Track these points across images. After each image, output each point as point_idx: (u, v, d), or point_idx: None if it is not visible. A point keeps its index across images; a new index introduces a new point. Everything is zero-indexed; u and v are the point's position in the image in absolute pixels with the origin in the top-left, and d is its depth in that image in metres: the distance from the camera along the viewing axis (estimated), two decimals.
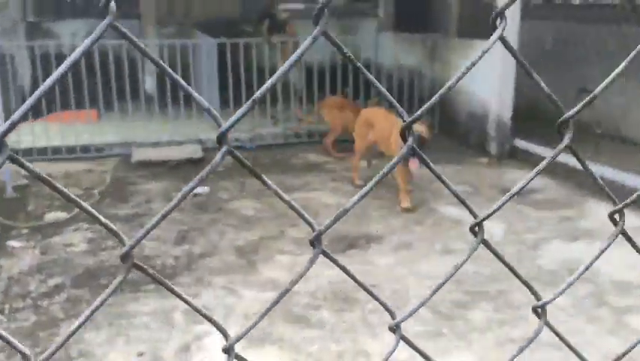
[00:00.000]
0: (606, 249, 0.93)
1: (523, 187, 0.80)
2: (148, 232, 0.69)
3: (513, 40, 6.83)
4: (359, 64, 0.70)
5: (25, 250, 4.65)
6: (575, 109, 0.78)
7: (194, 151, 7.16)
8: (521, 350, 0.97)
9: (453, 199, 5.63)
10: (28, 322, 3.60)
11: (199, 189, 5.95)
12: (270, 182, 0.75)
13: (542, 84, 0.75)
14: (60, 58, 7.16)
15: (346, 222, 5.04)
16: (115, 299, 3.85)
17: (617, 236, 0.93)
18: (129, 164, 6.92)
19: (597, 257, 0.92)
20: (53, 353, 0.70)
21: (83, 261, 4.46)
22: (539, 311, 0.94)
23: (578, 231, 4.95)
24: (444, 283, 0.89)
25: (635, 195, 0.91)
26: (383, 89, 0.76)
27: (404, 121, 0.75)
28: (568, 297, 3.80)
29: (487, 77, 6.95)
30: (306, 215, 0.78)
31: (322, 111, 7.57)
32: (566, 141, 0.78)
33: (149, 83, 8.63)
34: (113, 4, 0.56)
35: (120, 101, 7.46)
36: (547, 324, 0.96)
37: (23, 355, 0.69)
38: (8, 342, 0.69)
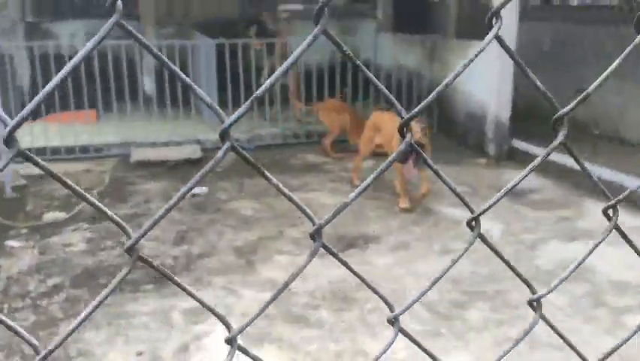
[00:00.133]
0: (600, 243, 0.94)
1: (518, 183, 0.82)
2: (154, 225, 0.70)
3: (511, 41, 6.85)
4: (359, 62, 0.72)
5: (24, 249, 4.66)
6: (570, 106, 0.79)
7: (193, 151, 7.18)
8: (517, 342, 0.98)
9: (451, 200, 5.66)
10: (27, 321, 3.61)
11: (197, 190, 5.96)
12: (271, 177, 0.76)
13: (537, 82, 0.76)
14: (59, 58, 7.17)
15: (344, 222, 5.06)
16: (114, 299, 3.86)
17: (610, 231, 0.95)
18: (128, 164, 6.93)
19: (591, 251, 0.94)
20: (64, 340, 0.71)
21: (82, 261, 4.47)
22: (534, 305, 0.96)
23: (575, 231, 4.97)
24: (441, 277, 0.91)
25: (628, 191, 0.93)
26: (382, 87, 0.77)
27: (402, 118, 0.76)
28: (565, 297, 3.82)
29: (485, 78, 6.96)
30: (307, 210, 0.80)
31: (319, 114, 7.59)
32: (561, 137, 0.79)
33: (148, 84, 8.64)
34: (119, 2, 0.58)
35: (119, 101, 7.47)
36: (543, 317, 0.97)
37: (33, 346, 0.71)
38: (18, 333, 0.70)
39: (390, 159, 0.79)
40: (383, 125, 5.81)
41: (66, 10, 9.08)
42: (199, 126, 8.01)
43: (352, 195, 0.82)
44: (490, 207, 0.82)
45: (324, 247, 0.81)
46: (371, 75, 0.74)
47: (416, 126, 5.09)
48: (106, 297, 0.71)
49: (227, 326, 0.82)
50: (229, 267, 4.36)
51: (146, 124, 7.73)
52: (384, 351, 0.93)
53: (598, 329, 3.52)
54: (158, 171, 6.70)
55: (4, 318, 0.71)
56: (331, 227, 5.10)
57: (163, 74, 7.60)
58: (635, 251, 0.97)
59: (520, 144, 7.11)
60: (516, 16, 6.78)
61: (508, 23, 6.84)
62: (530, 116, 7.01)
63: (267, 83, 0.70)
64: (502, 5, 0.70)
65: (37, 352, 0.71)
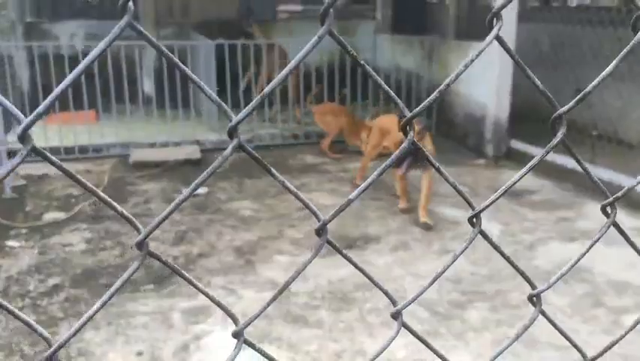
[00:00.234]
0: (598, 240, 0.95)
1: (518, 180, 0.83)
2: (163, 220, 0.71)
3: (510, 42, 6.87)
4: (363, 62, 0.73)
5: (23, 249, 4.66)
6: (568, 105, 0.80)
7: (192, 152, 7.18)
8: (517, 336, 0.99)
9: (450, 200, 5.67)
10: None
11: (198, 190, 5.97)
12: (277, 174, 0.77)
13: (537, 82, 0.77)
14: (58, 59, 7.17)
15: (344, 222, 5.07)
16: (114, 299, 3.86)
17: (608, 227, 0.96)
18: (127, 165, 6.93)
19: (589, 248, 0.95)
20: (75, 333, 0.72)
21: (82, 261, 4.47)
22: (534, 300, 0.97)
23: (574, 232, 4.98)
24: (443, 272, 0.92)
25: (626, 189, 0.94)
26: (386, 87, 0.78)
27: (403, 117, 0.77)
28: (565, 297, 3.83)
29: (484, 79, 6.98)
30: (313, 206, 0.81)
31: (315, 118, 7.62)
32: (560, 135, 0.80)
33: (148, 85, 8.64)
34: (130, 3, 0.59)
35: (118, 102, 7.47)
36: (543, 313, 0.98)
37: (46, 340, 0.72)
38: (31, 327, 0.71)
39: (393, 156, 0.80)
40: (392, 128, 5.69)
41: (65, 10, 9.09)
42: (198, 127, 8.01)
43: (355, 192, 0.83)
44: (491, 203, 0.83)
45: (329, 242, 0.82)
46: (375, 75, 0.75)
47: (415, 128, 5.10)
48: (116, 291, 0.72)
49: (234, 320, 0.83)
50: (229, 267, 4.36)
51: (146, 125, 7.73)
52: (388, 344, 0.94)
53: (596, 329, 3.53)
54: (157, 171, 6.71)
55: (17, 312, 0.72)
56: (331, 227, 5.09)
57: (162, 74, 7.60)
58: (634, 248, 0.98)
59: (518, 145, 7.13)
60: (515, 17, 6.80)
61: (507, 24, 6.84)
62: (529, 118, 7.02)
63: (275, 81, 0.71)
64: (503, 6, 0.71)
65: (50, 345, 0.72)
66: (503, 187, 0.83)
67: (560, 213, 5.42)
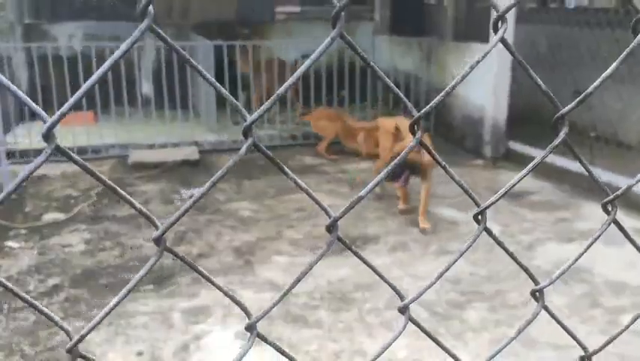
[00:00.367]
0: (599, 236, 0.97)
1: (522, 178, 0.84)
2: (180, 217, 0.73)
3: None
4: (373, 64, 0.74)
5: (23, 250, 4.67)
6: (570, 106, 0.81)
7: (190, 153, 7.19)
8: (520, 331, 1.01)
9: (448, 201, 5.69)
10: (27, 321, 3.62)
11: (196, 191, 5.98)
12: (290, 172, 0.78)
13: (540, 83, 0.79)
14: (57, 60, 7.18)
15: (343, 223, 5.06)
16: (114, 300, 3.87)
17: (609, 225, 0.98)
18: (126, 166, 6.94)
19: (591, 244, 0.96)
20: (94, 326, 0.73)
21: (81, 261, 4.48)
22: (537, 295, 0.98)
23: (573, 232, 5.00)
24: (449, 268, 0.93)
25: (626, 187, 0.95)
26: (394, 87, 0.79)
27: (412, 116, 0.79)
28: (563, 297, 3.85)
29: (482, 81, 7.00)
30: (323, 203, 0.82)
31: (312, 125, 7.65)
32: (562, 135, 0.82)
33: (146, 86, 8.65)
34: (151, 7, 0.60)
35: (117, 103, 7.48)
36: (545, 308, 1.00)
37: (66, 331, 0.73)
38: (51, 319, 0.72)
39: (402, 154, 0.82)
40: (405, 132, 5.55)
41: (64, 11, 9.09)
42: (196, 128, 8.03)
43: (365, 189, 0.85)
44: (496, 200, 0.85)
45: (339, 239, 0.84)
46: (385, 77, 0.76)
47: (409, 137, 5.04)
48: (134, 286, 0.74)
49: (248, 314, 0.84)
50: (228, 267, 4.38)
51: (144, 126, 7.74)
52: (395, 338, 0.96)
53: (594, 329, 3.54)
54: (156, 172, 6.71)
55: (37, 303, 0.73)
56: None
57: (161, 76, 7.61)
58: (634, 245, 1.00)
59: (516, 146, 7.15)
60: (513, 19, 6.82)
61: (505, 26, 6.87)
62: (526, 119, 7.05)
63: (289, 82, 0.72)
64: (508, 9, 0.73)
65: (70, 337, 0.73)
66: (507, 185, 0.85)
67: (559, 214, 5.45)
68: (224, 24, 9.36)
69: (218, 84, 0.71)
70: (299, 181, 0.78)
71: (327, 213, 0.82)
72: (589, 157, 6.06)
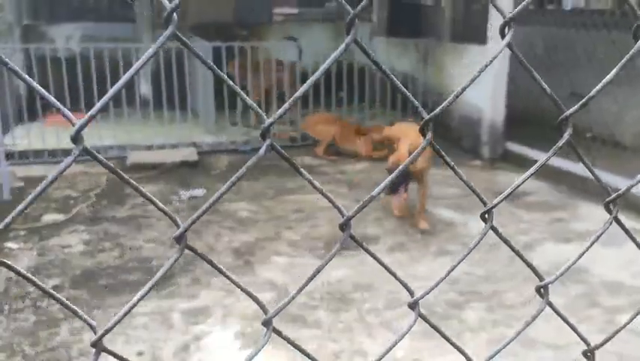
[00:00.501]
0: (601, 235, 0.99)
1: (529, 177, 0.86)
2: (202, 214, 0.75)
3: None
4: (385, 68, 0.76)
5: (22, 251, 4.68)
6: (574, 108, 0.84)
7: (189, 154, 7.21)
8: (527, 324, 1.03)
9: (446, 202, 5.72)
10: (28, 322, 3.63)
11: (195, 192, 6.00)
12: (305, 172, 0.81)
13: (544, 86, 0.81)
14: (56, 61, 7.20)
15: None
16: (115, 300, 3.89)
17: (611, 223, 1.00)
18: (125, 166, 6.95)
19: (593, 242, 0.99)
20: (118, 321, 0.75)
21: (81, 262, 4.49)
22: (542, 291, 1.01)
23: (570, 233, 5.03)
24: (459, 263, 0.96)
25: (627, 187, 0.98)
26: (405, 91, 0.82)
27: (422, 118, 0.81)
28: (561, 297, 3.88)
29: (480, 82, 7.00)
30: (336, 203, 0.85)
31: (309, 130, 7.68)
32: (566, 136, 0.84)
33: (145, 87, 8.67)
34: (175, 14, 0.62)
35: (116, 104, 7.49)
36: (550, 304, 1.02)
37: (91, 327, 0.75)
38: (76, 313, 0.75)
39: (413, 155, 0.84)
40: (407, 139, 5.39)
41: (62, 13, 9.10)
42: (195, 129, 8.05)
43: (377, 189, 0.88)
44: (502, 200, 0.87)
45: (352, 237, 0.87)
46: (396, 81, 0.79)
47: (404, 146, 4.95)
48: (157, 281, 0.76)
49: (264, 309, 0.87)
50: (227, 268, 4.32)
51: (143, 127, 7.76)
52: (406, 332, 0.98)
53: (592, 328, 3.57)
54: (154, 173, 6.73)
55: (62, 298, 0.75)
56: (329, 228, 5.15)
57: (159, 77, 7.63)
58: (635, 242, 1.02)
59: (514, 147, 7.19)
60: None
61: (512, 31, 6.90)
62: (524, 120, 7.09)
63: (305, 86, 0.74)
64: (515, 14, 0.75)
65: (94, 332, 0.76)
66: (513, 185, 0.87)
67: (555, 214, 5.48)
68: (222, 25, 9.38)
69: (238, 88, 0.74)
70: (314, 182, 0.81)
71: (340, 212, 0.85)
72: (589, 158, 6.10)
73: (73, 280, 4.18)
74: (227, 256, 4.58)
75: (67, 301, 0.76)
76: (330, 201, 0.84)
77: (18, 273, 0.72)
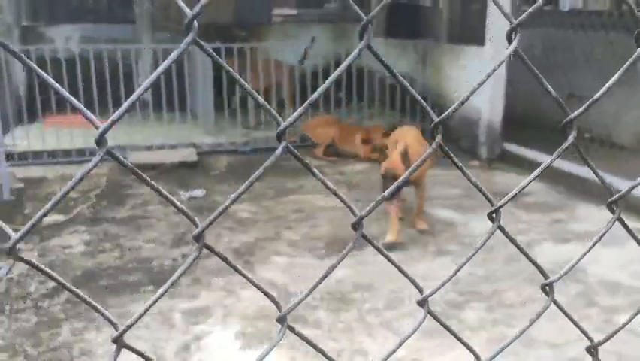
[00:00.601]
0: (605, 233, 1.01)
1: (534, 179, 0.88)
2: (219, 215, 0.77)
3: (503, 47, 6.95)
4: (396, 72, 0.78)
5: (23, 252, 4.68)
6: (579, 110, 0.86)
7: (188, 155, 7.23)
8: (532, 322, 1.05)
9: (444, 202, 5.74)
10: (29, 323, 3.65)
11: (195, 192, 6.02)
12: (318, 173, 0.83)
13: (550, 89, 0.83)
14: (55, 62, 7.20)
15: (342, 223, 5.13)
16: (115, 300, 3.91)
17: (614, 222, 1.02)
18: (124, 167, 6.96)
19: (597, 240, 1.01)
20: (139, 318, 0.77)
21: (82, 263, 4.51)
22: (547, 289, 1.03)
23: (568, 233, 5.06)
24: (468, 260, 0.98)
25: (630, 187, 1.00)
26: (416, 94, 0.84)
27: (432, 121, 0.83)
28: (559, 296, 3.86)
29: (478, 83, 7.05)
30: (349, 203, 0.87)
31: (307, 133, 7.70)
32: (571, 139, 0.86)
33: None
34: (195, 22, 0.64)
35: (115, 105, 7.50)
36: (555, 301, 1.04)
37: (113, 324, 0.77)
38: (97, 310, 0.76)
39: (423, 157, 0.86)
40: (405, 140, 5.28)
41: (61, 14, 9.11)
42: (194, 130, 8.07)
43: (388, 190, 0.90)
44: (509, 200, 0.89)
45: (364, 236, 0.89)
46: (407, 85, 0.81)
47: (395, 153, 4.80)
48: (177, 279, 0.78)
49: (278, 307, 0.89)
50: (227, 268, 4.34)
51: (143, 128, 7.77)
52: (415, 330, 1.00)
53: (590, 327, 3.58)
54: (153, 174, 6.74)
55: (86, 297, 0.77)
56: (328, 228, 5.17)
57: (159, 78, 7.63)
58: (636, 240, 1.04)
59: (511, 148, 7.22)
60: (507, 23, 6.88)
61: (500, 29, 6.95)
62: (522, 121, 7.12)
63: (321, 89, 0.76)
64: (521, 21, 0.77)
65: (116, 328, 0.78)
66: (519, 186, 0.89)
67: (554, 215, 5.51)
68: (222, 26, 9.40)
69: (254, 92, 0.76)
70: (327, 182, 0.83)
71: (352, 212, 0.87)
72: (588, 159, 6.12)
73: (74, 281, 4.19)
74: (227, 256, 4.60)
75: (89, 299, 0.78)
76: (343, 201, 0.86)
77: (43, 271, 0.74)
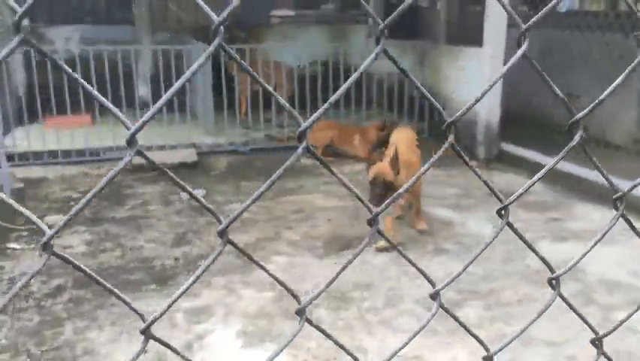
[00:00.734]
0: (609, 229, 1.05)
1: (539, 179, 0.92)
2: (242, 212, 0.80)
3: (500, 47, 7.00)
4: (411, 75, 0.82)
5: (25, 251, 4.72)
6: (584, 111, 0.90)
7: (188, 155, 7.26)
8: (540, 313, 1.09)
9: (443, 201, 5.78)
10: (32, 322, 3.68)
11: (195, 192, 6.03)
12: (336, 172, 0.86)
13: (556, 90, 0.87)
14: (55, 63, 7.21)
15: (340, 223, 5.17)
16: (116, 300, 3.93)
17: (618, 219, 1.05)
18: (124, 168, 6.98)
19: (602, 237, 1.04)
20: (165, 311, 0.81)
21: (83, 262, 4.52)
22: (553, 283, 1.06)
23: (566, 232, 5.10)
24: (474, 260, 1.02)
25: (633, 185, 1.03)
26: (428, 95, 0.87)
27: (445, 120, 0.87)
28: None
29: (476, 85, 7.11)
30: (365, 201, 0.91)
31: (309, 137, 7.74)
32: (577, 139, 0.90)
33: (143, 89, 8.70)
34: (222, 28, 0.68)
35: (115, 105, 7.51)
36: (561, 295, 1.08)
37: (140, 315, 0.80)
38: (126, 303, 0.80)
39: (432, 160, 0.90)
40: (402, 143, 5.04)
41: (61, 15, 9.14)
42: (194, 130, 8.10)
43: (398, 191, 0.94)
44: (518, 196, 0.93)
45: (379, 232, 0.93)
46: (420, 86, 0.84)
47: (386, 158, 4.61)
48: (202, 273, 0.81)
49: (297, 299, 0.92)
50: (228, 267, 4.44)
51: (143, 128, 7.79)
52: (426, 324, 1.04)
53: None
54: (154, 174, 6.77)
55: (114, 289, 0.80)
56: (328, 228, 5.21)
57: (158, 79, 7.67)
58: (638, 235, 1.08)
59: (509, 148, 7.27)
60: (505, 23, 6.93)
61: (497, 30, 6.99)
62: (519, 121, 7.17)
63: (342, 89, 0.80)
64: (530, 26, 0.81)
65: (143, 320, 0.81)
66: (526, 185, 0.93)
67: (551, 214, 5.55)
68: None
69: (275, 93, 0.79)
70: (345, 181, 0.87)
71: (368, 209, 0.91)
72: (585, 158, 6.17)
73: (76, 281, 4.22)
74: (227, 256, 4.63)
75: (117, 291, 0.81)
76: (360, 200, 0.90)
77: (78, 268, 0.77)
